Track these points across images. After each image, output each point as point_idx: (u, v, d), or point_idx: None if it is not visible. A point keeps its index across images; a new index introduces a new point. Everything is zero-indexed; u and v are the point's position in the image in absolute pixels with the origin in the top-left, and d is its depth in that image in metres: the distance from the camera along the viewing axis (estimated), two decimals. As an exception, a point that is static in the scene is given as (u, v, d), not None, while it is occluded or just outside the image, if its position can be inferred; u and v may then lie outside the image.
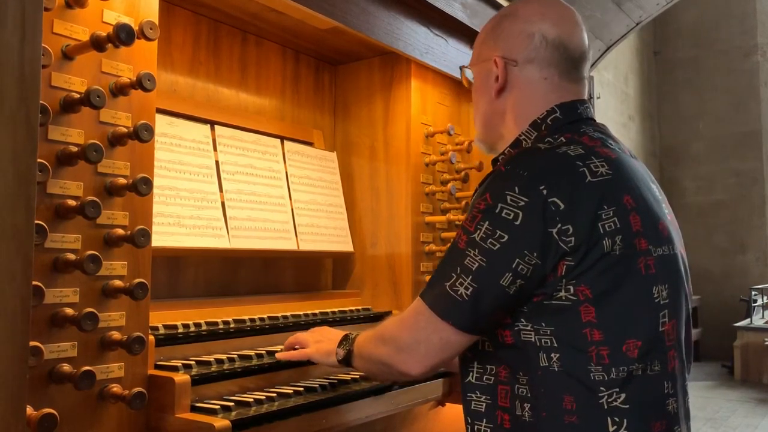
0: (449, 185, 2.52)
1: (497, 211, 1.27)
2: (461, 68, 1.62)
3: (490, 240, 1.27)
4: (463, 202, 2.60)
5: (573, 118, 1.43)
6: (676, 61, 10.75)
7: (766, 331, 8.17)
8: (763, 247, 10.10)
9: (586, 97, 1.49)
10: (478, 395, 1.38)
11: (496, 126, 1.52)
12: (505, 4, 2.50)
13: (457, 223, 2.48)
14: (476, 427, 1.37)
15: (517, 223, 1.26)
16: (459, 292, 1.29)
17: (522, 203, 1.26)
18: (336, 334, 1.67)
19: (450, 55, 2.39)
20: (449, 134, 2.53)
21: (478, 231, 1.29)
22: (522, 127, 1.46)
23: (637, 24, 6.64)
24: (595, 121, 1.48)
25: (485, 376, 1.37)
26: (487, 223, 1.28)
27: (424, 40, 2.27)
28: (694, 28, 10.63)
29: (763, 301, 8.81)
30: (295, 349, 1.76)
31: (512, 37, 1.46)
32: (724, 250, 10.07)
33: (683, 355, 1.36)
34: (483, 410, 1.37)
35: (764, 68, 10.25)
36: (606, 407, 1.24)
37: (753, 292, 8.66)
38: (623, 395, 1.24)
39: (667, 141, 10.79)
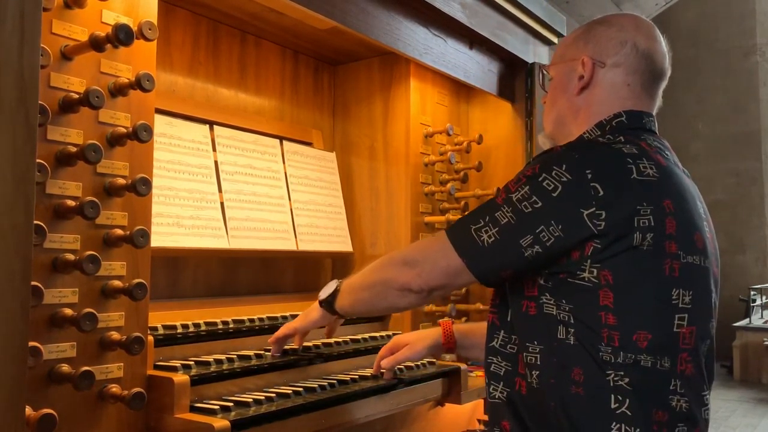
0: (448, 185, 2.52)
1: (540, 179, 1.35)
2: (541, 68, 1.68)
3: (525, 203, 1.36)
4: (463, 202, 2.60)
5: (636, 125, 1.49)
6: (675, 61, 10.56)
7: (765, 331, 8.18)
8: (762, 247, 10.12)
9: (654, 113, 1.56)
10: (499, 360, 1.46)
11: (567, 123, 1.57)
12: (504, 4, 2.50)
13: (456, 223, 2.48)
14: (492, 387, 1.46)
15: (554, 195, 1.33)
16: (482, 238, 1.39)
17: (565, 179, 1.33)
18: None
19: (449, 55, 2.39)
20: (448, 134, 2.53)
21: (518, 192, 1.38)
22: (591, 126, 1.51)
23: (636, 24, 6.64)
24: (657, 134, 1.53)
25: (509, 345, 1.45)
26: (527, 187, 1.37)
27: (423, 40, 2.27)
28: (693, 28, 10.64)
29: (762, 300, 8.82)
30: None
31: (604, 40, 1.53)
32: (723, 250, 9.95)
33: (701, 365, 1.39)
34: (501, 374, 1.45)
35: (763, 68, 10.26)
36: (611, 384, 1.30)
37: (752, 292, 8.67)
38: (628, 379, 1.30)
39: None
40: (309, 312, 1.76)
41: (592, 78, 1.52)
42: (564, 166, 1.34)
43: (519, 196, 1.37)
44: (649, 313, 1.32)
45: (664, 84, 1.58)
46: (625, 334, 1.30)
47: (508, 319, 1.46)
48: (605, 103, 1.51)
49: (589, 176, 1.32)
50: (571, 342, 1.33)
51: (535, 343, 1.38)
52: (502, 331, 1.47)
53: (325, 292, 1.70)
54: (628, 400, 1.29)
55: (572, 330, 1.33)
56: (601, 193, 1.31)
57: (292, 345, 1.84)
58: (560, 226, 1.32)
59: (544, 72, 1.66)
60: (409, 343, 1.84)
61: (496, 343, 1.47)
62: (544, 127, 1.65)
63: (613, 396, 1.29)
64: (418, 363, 2.04)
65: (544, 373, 1.36)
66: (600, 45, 1.53)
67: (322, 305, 1.71)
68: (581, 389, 1.31)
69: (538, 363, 1.37)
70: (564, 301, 1.35)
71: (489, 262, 1.40)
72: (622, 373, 1.29)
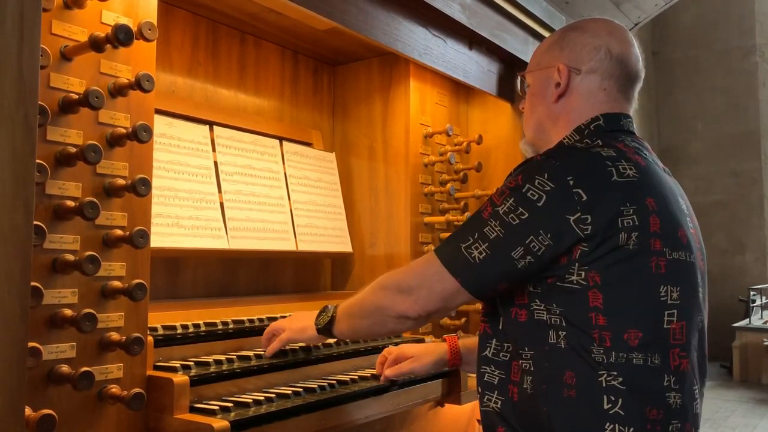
0: (448, 186, 2.52)
1: (524, 190, 1.37)
2: (519, 75, 1.68)
3: (511, 215, 1.37)
4: (462, 203, 2.60)
5: (614, 127, 1.51)
6: (675, 61, 10.75)
7: (764, 331, 8.17)
8: (761, 248, 10.11)
9: (630, 113, 1.58)
10: (492, 369, 1.46)
11: (547, 130, 1.58)
12: (503, 4, 2.50)
13: (456, 223, 2.48)
14: (486, 396, 1.46)
15: (540, 204, 1.35)
16: (473, 255, 1.39)
17: (548, 188, 1.35)
18: (312, 312, 1.74)
19: (449, 55, 2.39)
20: (448, 135, 2.53)
21: (503, 205, 1.39)
22: (569, 132, 1.53)
23: (636, 24, 6.65)
24: (635, 134, 1.54)
25: (502, 353, 1.46)
26: (512, 199, 1.38)
27: (423, 40, 2.27)
28: (692, 28, 10.64)
29: (761, 301, 8.81)
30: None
31: (579, 47, 1.54)
32: (723, 250, 10.07)
33: (695, 360, 1.41)
34: (495, 383, 1.45)
35: (762, 68, 10.25)
36: (604, 385, 1.31)
37: (752, 293, 8.65)
38: (621, 378, 1.31)
39: (666, 141, 10.80)
40: (305, 328, 1.73)
41: (568, 85, 1.54)
42: (546, 174, 1.36)
43: (505, 209, 1.38)
44: (638, 311, 1.34)
45: (639, 86, 1.59)
46: (615, 333, 1.32)
47: (500, 326, 1.46)
48: (583, 109, 1.53)
49: (571, 182, 1.34)
50: (563, 346, 1.34)
51: (526, 349, 1.39)
52: (494, 340, 1.47)
53: (321, 319, 1.69)
54: (621, 400, 1.30)
55: (563, 333, 1.34)
56: (585, 197, 1.32)
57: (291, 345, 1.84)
58: (549, 235, 1.33)
59: (522, 78, 1.67)
60: (414, 355, 1.83)
61: (489, 352, 1.47)
62: (525, 134, 1.67)
63: (605, 397, 1.30)
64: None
65: (537, 379, 1.37)
66: (574, 52, 1.55)
67: (320, 332, 1.70)
68: (573, 392, 1.32)
69: (532, 369, 1.38)
70: (554, 305, 1.36)
71: (483, 278, 1.40)
72: (615, 372, 1.31)
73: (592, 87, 1.53)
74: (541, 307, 1.37)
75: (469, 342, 1.84)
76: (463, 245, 1.41)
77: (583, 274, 1.33)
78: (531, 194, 1.35)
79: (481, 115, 2.81)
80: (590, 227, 1.31)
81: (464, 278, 1.41)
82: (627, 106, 1.57)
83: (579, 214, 1.32)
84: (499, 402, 1.43)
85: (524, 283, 1.39)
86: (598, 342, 1.31)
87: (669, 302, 1.36)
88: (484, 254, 1.38)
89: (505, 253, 1.36)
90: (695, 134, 10.61)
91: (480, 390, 1.48)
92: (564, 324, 1.34)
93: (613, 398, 1.30)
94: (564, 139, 1.52)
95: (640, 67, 1.58)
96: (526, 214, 1.35)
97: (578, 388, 1.32)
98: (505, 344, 1.45)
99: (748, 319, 8.45)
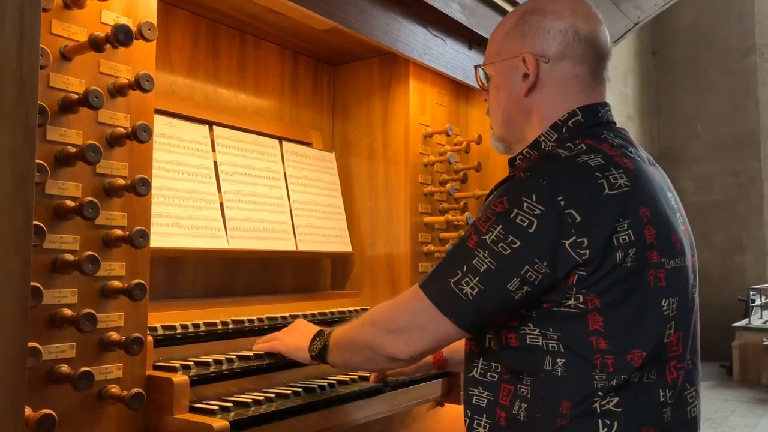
0: (448, 186, 2.52)
1: (512, 216, 1.27)
2: (476, 68, 1.58)
3: (501, 244, 1.27)
4: (462, 203, 2.60)
5: (594, 121, 1.42)
6: (675, 61, 10.75)
7: (764, 331, 8.18)
8: (761, 247, 10.11)
9: (606, 99, 1.48)
10: (480, 391, 1.38)
11: (519, 126, 1.48)
12: (503, 4, 2.50)
13: (456, 223, 2.49)
14: (475, 421, 1.38)
15: (531, 230, 1.25)
16: (464, 291, 1.29)
17: (538, 212, 1.25)
18: (310, 328, 1.69)
19: (448, 55, 2.40)
20: (448, 135, 2.53)
21: (490, 233, 1.28)
22: (545, 128, 1.43)
23: (636, 24, 6.65)
24: (615, 125, 1.46)
25: (489, 373, 1.38)
26: (500, 226, 1.28)
27: (423, 40, 2.27)
28: (692, 28, 10.64)
29: (761, 301, 8.81)
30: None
31: (542, 32, 1.42)
32: (723, 250, 10.07)
33: (689, 365, 1.36)
34: (484, 406, 1.37)
35: (762, 68, 10.26)
36: (599, 411, 1.25)
37: (751, 292, 8.66)
38: (616, 399, 1.25)
39: (665, 141, 10.80)
40: (300, 348, 1.66)
41: (538, 76, 1.42)
42: (534, 196, 1.26)
43: (493, 237, 1.27)
44: (640, 330, 1.27)
45: (610, 62, 1.47)
46: (618, 356, 1.25)
47: (486, 345, 1.39)
48: (557, 102, 1.42)
49: (562, 204, 1.24)
50: (559, 373, 1.27)
51: (525, 375, 1.32)
52: (481, 359, 1.40)
53: (315, 345, 1.62)
54: (616, 423, 1.24)
55: (561, 360, 1.27)
56: (578, 219, 1.24)
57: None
58: (545, 263, 1.24)
59: (482, 70, 1.56)
60: None
61: (476, 372, 1.40)
62: (493, 129, 1.56)
63: (600, 422, 1.24)
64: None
65: (531, 407, 1.30)
66: (538, 38, 1.42)
67: (314, 358, 1.63)
68: (567, 422, 1.26)
69: (529, 396, 1.30)
70: (551, 330, 1.28)
71: (478, 314, 1.31)
72: (611, 394, 1.25)
73: (564, 75, 1.42)
74: (535, 332, 1.30)
75: (453, 344, 1.79)
76: (452, 280, 1.30)
77: (581, 297, 1.25)
78: (520, 220, 1.25)
79: (481, 115, 2.80)
80: (588, 251, 1.23)
81: (458, 317, 1.31)
82: (602, 91, 1.46)
83: (574, 237, 1.23)
84: (488, 426, 1.36)
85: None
86: (600, 368, 1.25)
87: (670, 315, 1.30)
88: (476, 289, 1.28)
89: (500, 286, 1.27)
90: (695, 134, 10.61)
91: (468, 414, 1.39)
92: (562, 350, 1.27)
93: (608, 422, 1.24)
94: (540, 137, 1.43)
95: (609, 42, 1.46)
96: (518, 242, 1.25)
97: (572, 418, 1.25)
98: (493, 364, 1.38)
99: (747, 319, 8.45)
